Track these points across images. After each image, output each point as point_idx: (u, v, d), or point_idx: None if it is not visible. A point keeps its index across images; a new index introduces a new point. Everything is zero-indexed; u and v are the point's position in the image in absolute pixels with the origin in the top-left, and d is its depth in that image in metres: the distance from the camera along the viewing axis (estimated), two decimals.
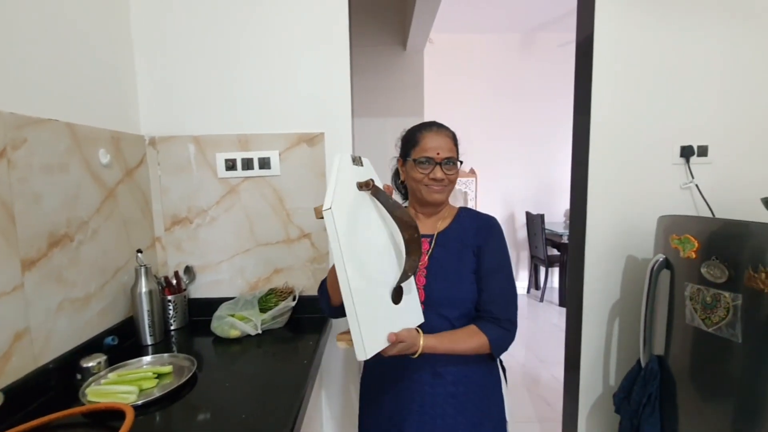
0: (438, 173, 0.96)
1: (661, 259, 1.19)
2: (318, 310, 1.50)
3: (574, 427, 1.66)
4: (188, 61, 1.43)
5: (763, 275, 0.89)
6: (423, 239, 0.94)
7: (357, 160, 0.91)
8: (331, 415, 1.59)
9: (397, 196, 1.05)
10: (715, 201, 1.48)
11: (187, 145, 1.45)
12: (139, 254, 1.29)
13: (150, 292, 1.28)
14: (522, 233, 4.87)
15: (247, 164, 1.44)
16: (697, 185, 1.49)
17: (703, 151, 1.50)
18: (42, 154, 1.00)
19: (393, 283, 0.87)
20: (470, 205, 4.56)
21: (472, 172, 4.58)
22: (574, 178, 1.65)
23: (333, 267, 0.94)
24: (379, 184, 0.89)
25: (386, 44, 3.24)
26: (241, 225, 1.49)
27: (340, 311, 0.90)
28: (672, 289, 1.17)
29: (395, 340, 0.83)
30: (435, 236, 1.02)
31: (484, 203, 4.72)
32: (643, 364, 1.24)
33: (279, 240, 1.50)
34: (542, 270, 4.56)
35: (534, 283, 4.82)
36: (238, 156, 1.44)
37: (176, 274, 1.43)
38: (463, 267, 0.98)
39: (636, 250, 1.54)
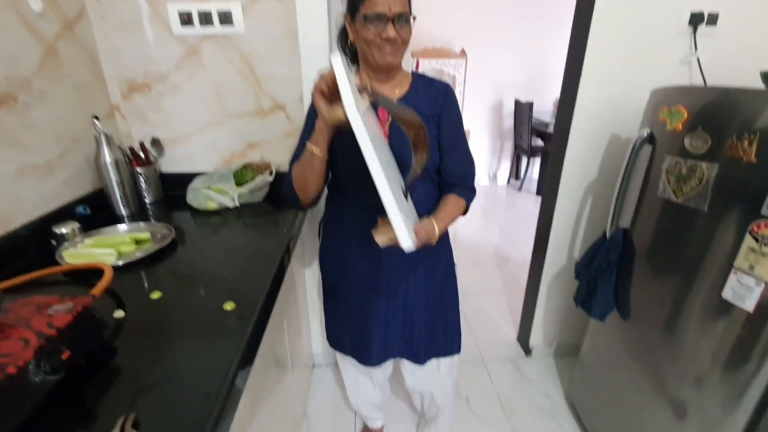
0: (390, 31, 0.87)
1: (645, 134, 1.17)
2: None
3: (535, 294, 1.83)
4: None
5: (746, 143, 0.88)
6: (381, 108, 0.94)
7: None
8: (313, 281, 1.69)
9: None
10: (713, 76, 1.41)
11: None
12: (96, 121, 1.19)
13: (116, 162, 1.22)
14: (509, 122, 4.76)
15: (206, 19, 1.25)
16: (698, 58, 1.40)
17: (712, 20, 1.38)
18: None
19: (402, 180, 0.90)
20: (458, 90, 4.33)
21: (463, 53, 4.24)
22: (571, 53, 1.52)
23: (298, 163, 0.95)
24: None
25: None
26: (208, 94, 1.37)
27: (311, 203, 1.03)
28: (650, 163, 1.17)
29: (423, 233, 0.86)
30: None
31: (473, 88, 4.49)
32: (608, 236, 1.31)
33: (251, 111, 1.40)
34: (524, 160, 4.59)
35: (515, 173, 4.88)
36: (194, 8, 1.24)
37: (142, 145, 1.35)
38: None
39: (621, 129, 1.51)
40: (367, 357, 1.17)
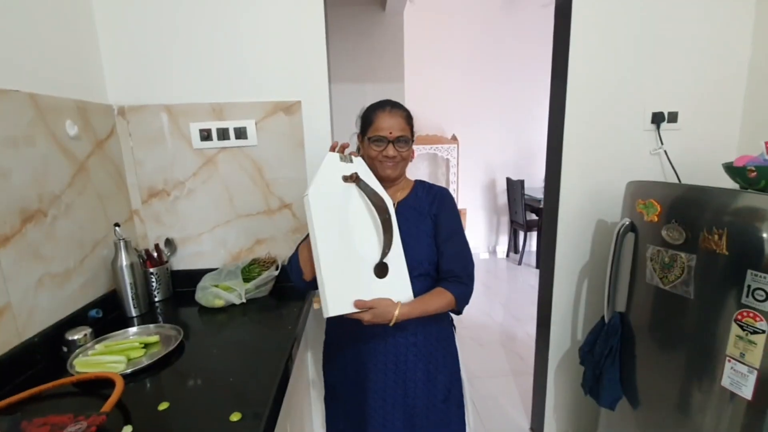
0: (390, 151, 1.03)
1: (626, 223, 1.26)
2: None
3: (544, 378, 1.79)
4: (154, 25, 1.36)
5: (716, 237, 0.96)
6: None
7: (346, 158, 1.04)
8: (318, 377, 1.67)
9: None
10: (682, 166, 1.54)
11: (158, 115, 1.40)
12: (117, 228, 1.28)
13: (131, 265, 1.28)
14: (502, 198, 4.96)
15: (223, 134, 1.41)
16: (665, 151, 1.55)
17: (673, 117, 1.55)
18: (5, 127, 0.96)
19: (377, 259, 0.98)
20: (452, 171, 4.59)
21: (454, 138, 4.57)
22: (550, 143, 1.68)
23: (304, 244, 1.07)
24: (369, 175, 1.04)
25: (364, 4, 3.10)
26: (220, 196, 1.48)
27: (312, 285, 1.04)
28: (635, 250, 1.24)
29: (362, 305, 0.94)
30: (395, 206, 1.08)
31: (466, 169, 4.76)
32: (606, 321, 1.33)
33: (259, 211, 1.51)
34: (521, 234, 4.70)
35: (513, 247, 4.97)
36: (213, 126, 1.41)
37: (156, 246, 1.43)
38: (420, 232, 1.07)
39: (606, 215, 1.61)
40: None
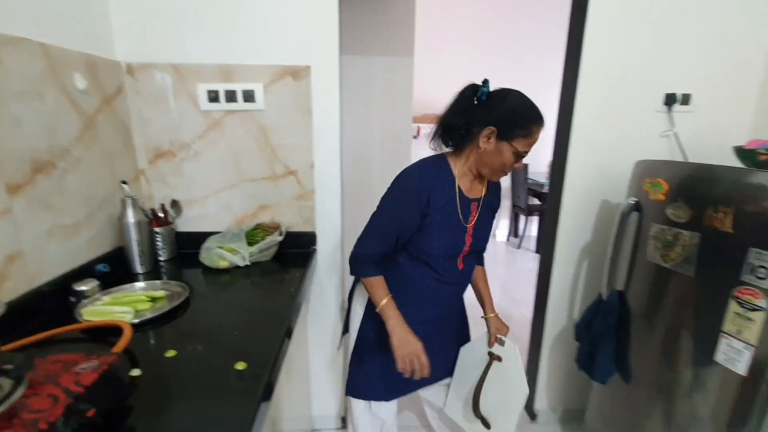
0: (520, 164, 1.04)
1: (632, 202, 1.26)
2: (305, 245, 1.57)
3: (537, 355, 1.82)
4: None
5: (721, 215, 0.96)
6: (472, 203, 1.12)
7: (500, 341, 1.24)
8: (317, 343, 1.70)
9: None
10: (691, 149, 1.53)
11: (166, 74, 1.39)
12: (124, 185, 1.29)
13: (138, 223, 1.30)
14: (505, 182, 4.94)
15: (231, 96, 1.40)
16: (676, 134, 1.54)
17: (686, 100, 1.53)
18: (18, 77, 0.97)
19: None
20: None
21: None
22: (560, 124, 1.67)
23: (374, 283, 1.12)
24: (514, 351, 1.19)
25: None
26: (226, 160, 1.48)
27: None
28: (638, 229, 1.25)
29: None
30: (481, 201, 1.15)
31: None
32: (604, 298, 1.35)
33: (265, 176, 1.51)
34: (522, 219, 4.70)
35: (513, 231, 4.98)
36: (221, 87, 1.39)
37: (162, 207, 1.44)
38: (488, 223, 1.19)
39: (611, 195, 1.61)
40: (445, 367, 1.31)
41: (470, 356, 1.30)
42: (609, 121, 1.55)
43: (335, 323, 1.69)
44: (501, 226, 5.09)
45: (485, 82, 1.03)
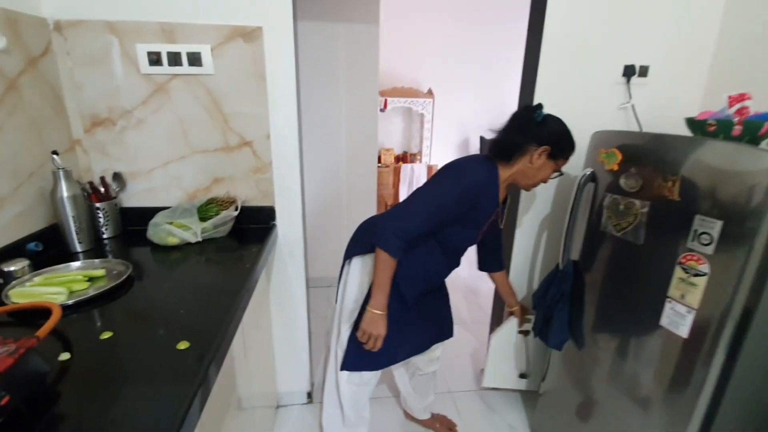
0: (550, 180, 1.24)
1: (588, 173, 1.27)
2: (264, 220, 1.51)
3: (498, 324, 1.87)
4: None
5: (670, 183, 0.98)
6: (499, 207, 1.25)
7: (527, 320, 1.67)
8: (280, 320, 1.67)
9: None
10: (647, 121, 1.56)
11: (100, 33, 1.26)
12: (55, 156, 1.17)
13: (74, 197, 1.19)
14: None
15: (175, 59, 1.29)
16: (633, 105, 1.56)
17: (643, 71, 1.54)
18: None
19: None
20: (426, 127, 4.51)
21: (430, 92, 4.46)
22: (522, 96, 1.65)
23: (387, 269, 1.14)
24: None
25: None
26: (174, 129, 1.38)
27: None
28: (594, 200, 1.27)
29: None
30: (503, 205, 1.32)
31: (441, 126, 4.70)
32: (561, 268, 1.38)
33: (217, 147, 1.42)
34: None
35: None
36: (163, 49, 1.28)
37: (103, 180, 1.33)
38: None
39: (570, 168, 1.62)
40: (425, 344, 1.42)
41: (504, 339, 1.75)
42: (569, 95, 1.54)
43: (298, 300, 1.66)
44: None
45: (540, 105, 1.16)
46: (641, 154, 1.10)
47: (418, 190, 1.20)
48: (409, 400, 1.67)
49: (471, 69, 4.62)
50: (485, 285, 3.13)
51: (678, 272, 0.97)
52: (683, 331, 0.97)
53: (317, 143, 2.60)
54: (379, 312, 1.16)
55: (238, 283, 1.06)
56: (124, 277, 1.02)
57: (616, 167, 1.15)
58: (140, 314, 0.91)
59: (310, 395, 1.83)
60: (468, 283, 3.20)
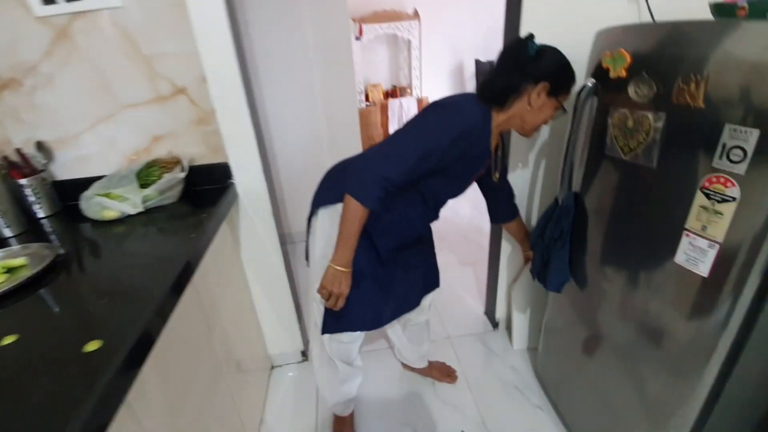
0: (552, 119, 1.07)
1: (590, 85, 1.04)
2: (219, 179, 1.34)
3: (496, 266, 1.75)
4: None
5: (693, 86, 0.76)
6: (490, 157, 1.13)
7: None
8: (258, 282, 1.56)
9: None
10: (663, 13, 1.27)
11: None
12: None
13: None
14: (471, 85, 4.58)
15: None
16: None
17: None
18: None
19: None
20: (414, 55, 4.11)
21: (416, 14, 3.99)
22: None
23: (354, 220, 0.98)
24: None
25: None
26: (91, 82, 1.17)
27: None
28: (596, 117, 1.05)
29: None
30: (495, 154, 1.18)
31: (430, 52, 4.27)
32: (560, 202, 1.20)
33: (148, 99, 1.21)
34: None
35: None
36: None
37: (19, 152, 1.15)
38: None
39: None
40: (412, 299, 1.32)
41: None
42: None
43: (274, 259, 1.53)
44: None
45: (531, 36, 0.98)
46: (655, 53, 0.86)
47: (401, 131, 1.02)
48: (404, 351, 1.60)
49: None
50: (486, 225, 2.98)
51: (699, 199, 0.79)
52: (703, 269, 0.80)
53: (281, 82, 2.31)
54: (341, 269, 1.02)
55: (185, 254, 0.92)
56: (45, 264, 0.88)
57: (624, 73, 0.92)
58: (57, 310, 0.78)
59: (304, 354, 1.77)
60: (469, 222, 3.05)
